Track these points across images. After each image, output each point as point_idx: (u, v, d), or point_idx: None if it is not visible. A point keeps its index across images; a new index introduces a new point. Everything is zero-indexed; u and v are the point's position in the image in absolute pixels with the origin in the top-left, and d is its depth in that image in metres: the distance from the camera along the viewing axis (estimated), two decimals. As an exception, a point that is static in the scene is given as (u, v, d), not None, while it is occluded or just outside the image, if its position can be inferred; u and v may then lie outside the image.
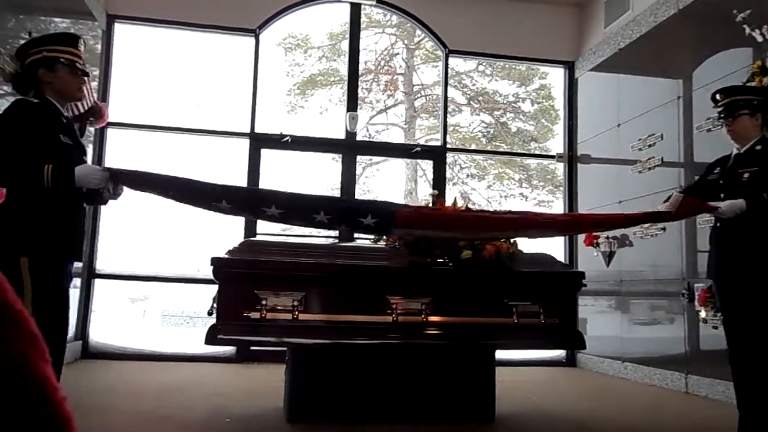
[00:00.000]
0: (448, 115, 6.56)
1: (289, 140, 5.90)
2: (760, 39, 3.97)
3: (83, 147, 2.56)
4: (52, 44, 2.44)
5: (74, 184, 2.24)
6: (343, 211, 2.90)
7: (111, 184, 2.40)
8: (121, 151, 5.74)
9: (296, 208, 2.74)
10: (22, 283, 2.14)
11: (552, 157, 6.91)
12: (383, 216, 2.72)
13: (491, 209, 3.69)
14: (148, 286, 8.76)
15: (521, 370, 5.35)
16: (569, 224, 3.49)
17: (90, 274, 5.42)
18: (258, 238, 5.09)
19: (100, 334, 5.56)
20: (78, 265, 5.11)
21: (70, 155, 2.34)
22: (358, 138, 6.27)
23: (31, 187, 2.22)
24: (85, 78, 2.53)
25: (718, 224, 2.85)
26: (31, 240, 2.23)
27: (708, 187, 2.91)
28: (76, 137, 2.51)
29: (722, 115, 2.87)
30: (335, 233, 5.53)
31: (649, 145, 5.15)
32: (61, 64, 2.40)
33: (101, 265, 5.55)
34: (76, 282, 5.17)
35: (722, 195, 2.80)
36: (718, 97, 2.91)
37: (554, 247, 6.16)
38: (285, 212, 2.66)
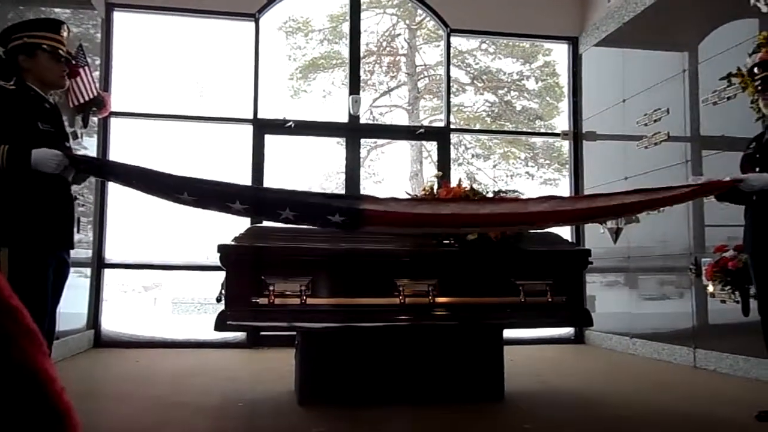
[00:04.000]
0: (452, 95, 6.52)
1: (293, 125, 5.88)
2: (765, 9, 3.91)
3: (67, 134, 2.53)
4: (34, 30, 2.40)
5: (30, 166, 2.21)
6: (310, 208, 2.70)
7: (72, 171, 2.38)
8: (125, 140, 5.74)
9: (262, 204, 2.68)
10: None
11: (557, 134, 6.87)
12: (351, 215, 2.61)
13: (494, 194, 3.48)
14: (159, 274, 8.82)
15: (530, 349, 5.38)
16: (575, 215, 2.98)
17: (99, 264, 5.46)
18: (264, 224, 5.11)
19: (112, 322, 5.61)
20: (87, 254, 5.17)
21: (49, 142, 2.31)
22: (362, 121, 6.25)
23: None
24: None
25: (754, 197, 2.84)
26: (12, 231, 2.23)
27: (745, 162, 2.95)
28: (60, 124, 2.48)
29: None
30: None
31: (655, 120, 5.11)
32: (42, 51, 2.38)
33: (110, 254, 5.59)
34: (86, 272, 5.21)
35: (757, 169, 2.83)
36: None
37: (561, 225, 6.15)
38: (249, 207, 2.60)
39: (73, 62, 3.76)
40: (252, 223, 3.95)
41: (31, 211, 2.27)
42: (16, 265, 2.19)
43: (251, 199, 2.67)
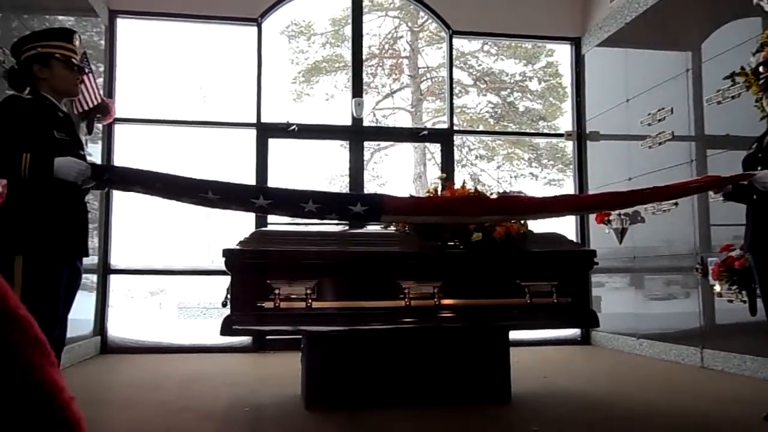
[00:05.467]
0: (455, 97, 6.52)
1: (296, 129, 5.89)
2: (767, 9, 3.90)
3: (80, 142, 2.54)
4: (47, 40, 2.42)
5: (52, 174, 2.22)
6: (332, 199, 2.90)
7: (92, 182, 2.38)
8: (130, 147, 5.77)
9: (285, 198, 2.74)
10: (12, 283, 2.11)
11: (561, 135, 6.86)
12: (372, 204, 2.75)
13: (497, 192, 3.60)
14: (164, 279, 8.84)
15: (536, 350, 5.37)
16: (570, 204, 3.34)
17: (105, 270, 5.48)
18: (269, 228, 5.12)
19: (118, 329, 5.62)
20: (93, 261, 5.19)
21: (65, 150, 2.32)
22: (365, 123, 6.26)
23: (9, 177, 2.19)
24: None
25: (755, 197, 2.85)
26: (26, 239, 2.23)
27: (747, 161, 2.96)
28: (74, 133, 2.49)
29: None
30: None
31: (659, 120, 5.10)
32: (56, 60, 2.39)
33: (116, 260, 5.60)
34: (92, 278, 5.23)
35: (759, 168, 2.84)
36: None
37: (566, 225, 6.14)
38: (273, 202, 2.67)
39: (86, 70, 3.78)
40: (257, 227, 3.96)
41: (46, 219, 2.27)
42: (30, 273, 2.20)
43: (275, 194, 2.74)
